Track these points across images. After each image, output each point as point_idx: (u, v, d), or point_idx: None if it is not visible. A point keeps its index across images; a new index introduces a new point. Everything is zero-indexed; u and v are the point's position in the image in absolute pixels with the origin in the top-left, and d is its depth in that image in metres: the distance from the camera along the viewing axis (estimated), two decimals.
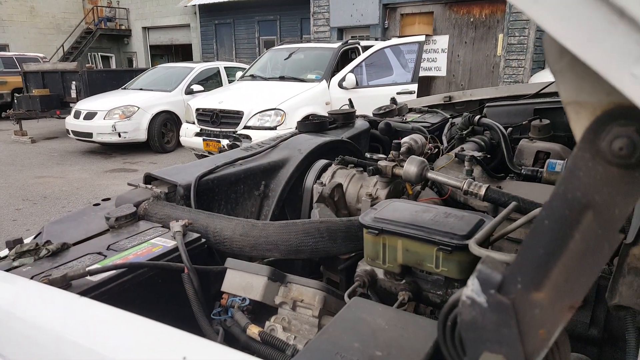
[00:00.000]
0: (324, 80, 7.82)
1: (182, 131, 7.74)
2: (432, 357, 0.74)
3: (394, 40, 9.04)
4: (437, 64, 12.09)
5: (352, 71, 7.91)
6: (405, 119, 2.82)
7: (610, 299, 0.60)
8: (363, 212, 1.62)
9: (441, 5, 11.54)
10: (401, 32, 12.12)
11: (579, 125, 0.35)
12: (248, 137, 6.84)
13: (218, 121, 7.20)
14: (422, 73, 10.16)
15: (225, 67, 10.51)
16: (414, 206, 1.19)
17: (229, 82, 9.97)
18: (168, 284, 1.27)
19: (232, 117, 7.14)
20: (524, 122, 2.37)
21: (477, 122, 2.29)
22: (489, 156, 1.96)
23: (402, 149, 1.79)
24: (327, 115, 2.52)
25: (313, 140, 2.09)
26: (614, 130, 0.33)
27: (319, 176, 1.80)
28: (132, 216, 1.48)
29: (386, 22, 12.22)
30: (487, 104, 2.67)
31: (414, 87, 8.56)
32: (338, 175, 1.78)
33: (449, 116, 2.84)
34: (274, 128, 6.94)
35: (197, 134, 7.35)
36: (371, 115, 2.82)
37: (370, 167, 1.62)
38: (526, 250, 0.41)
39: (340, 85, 7.79)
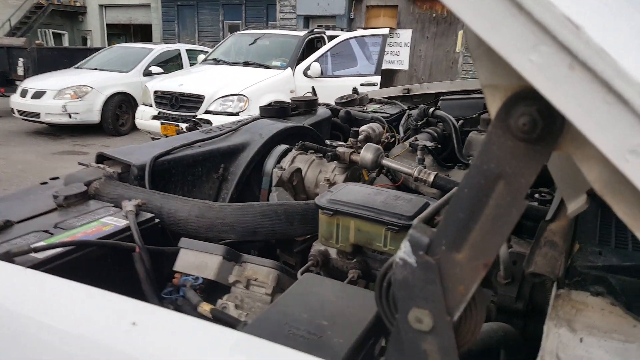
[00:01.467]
0: (289, 68, 7.80)
1: (138, 114, 7.53)
2: (373, 325, 0.80)
3: (359, 32, 9.12)
4: (399, 58, 12.27)
5: (317, 60, 7.93)
6: (366, 109, 2.89)
7: (527, 267, 0.67)
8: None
9: (405, 0, 11.71)
10: (366, 23, 12.22)
11: (493, 106, 0.40)
12: (209, 122, 6.74)
13: (177, 104, 7.05)
14: (385, 66, 10.29)
15: (187, 50, 10.27)
16: (367, 189, 1.25)
17: (191, 66, 9.76)
18: (118, 263, 1.27)
19: (192, 101, 7.01)
20: (474, 116, 2.48)
21: (432, 114, 2.38)
22: (439, 146, 2.05)
23: (360, 136, 1.85)
24: (289, 101, 2.54)
25: (274, 125, 2.12)
26: (519, 110, 0.38)
27: (278, 161, 1.83)
28: (82, 195, 1.46)
29: (352, 13, 12.28)
30: (442, 97, 2.77)
31: (377, 79, 8.67)
32: (298, 161, 1.81)
33: (406, 108, 2.92)
34: (237, 114, 6.87)
35: (155, 117, 7.18)
36: (333, 103, 2.87)
37: (329, 153, 1.67)
38: (449, 216, 0.46)
39: (305, 73, 7.79)
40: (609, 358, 0.51)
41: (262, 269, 1.21)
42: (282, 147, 1.88)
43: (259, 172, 1.95)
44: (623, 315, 0.54)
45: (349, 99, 2.89)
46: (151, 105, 7.28)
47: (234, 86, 7.08)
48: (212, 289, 1.24)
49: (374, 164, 1.61)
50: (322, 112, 2.57)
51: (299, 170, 1.72)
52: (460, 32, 11.34)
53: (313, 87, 3.07)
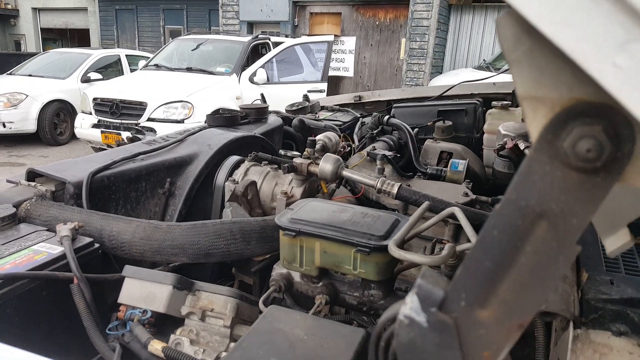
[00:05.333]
0: (235, 74, 7.59)
1: (77, 122, 7.04)
2: None
3: (304, 39, 9.06)
4: (345, 65, 12.34)
5: (263, 66, 7.77)
6: (318, 117, 2.79)
7: None
8: (278, 212, 1.54)
9: (349, 7, 11.78)
10: (311, 30, 12.19)
11: (535, 124, 0.31)
12: (152, 130, 6.43)
13: (118, 112, 6.66)
14: (331, 72, 10.29)
15: (127, 55, 9.77)
16: (331, 206, 1.14)
17: (131, 72, 9.29)
18: (55, 296, 1.09)
19: (134, 108, 6.64)
20: (428, 123, 2.45)
21: (386, 122, 2.32)
22: (398, 155, 1.99)
23: (316, 146, 1.75)
24: (238, 109, 2.40)
25: (224, 135, 1.97)
26: (577, 130, 0.29)
27: (230, 173, 1.68)
28: (11, 218, 1.25)
29: (296, 19, 12.20)
30: (394, 105, 2.73)
31: (324, 85, 8.65)
32: (251, 173, 1.68)
33: (359, 115, 2.86)
34: (181, 121, 6.59)
35: (95, 126, 6.74)
36: (284, 111, 2.75)
37: (286, 165, 1.55)
38: (471, 263, 0.36)
39: (251, 80, 7.62)
40: None
41: (218, 298, 1.07)
42: (233, 159, 1.73)
43: (208, 186, 1.79)
44: None
45: (300, 106, 2.79)
46: (91, 113, 6.84)
47: (178, 93, 6.79)
48: (163, 322, 1.09)
49: (334, 176, 1.50)
50: (273, 120, 2.45)
51: (253, 183, 1.58)
52: (403, 40, 11.56)
53: (262, 94, 2.93)
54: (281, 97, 7.73)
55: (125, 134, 6.53)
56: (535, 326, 0.76)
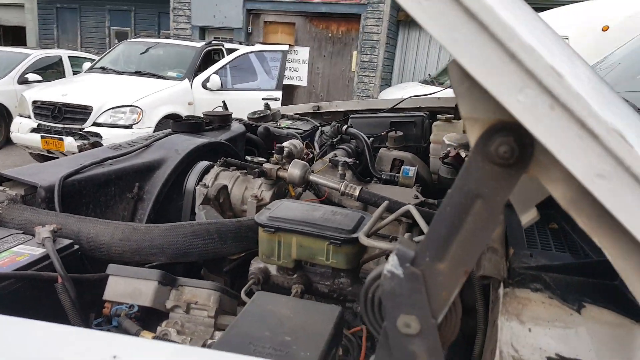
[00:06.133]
0: (187, 79, 7.60)
1: (13, 126, 6.76)
2: (333, 337, 0.84)
3: (259, 47, 9.19)
4: (298, 74, 12.57)
5: (217, 72, 7.82)
6: (279, 125, 2.94)
7: (477, 271, 0.77)
8: (249, 214, 1.67)
9: (302, 18, 12.04)
10: (264, 39, 12.34)
11: (473, 135, 0.47)
12: (98, 135, 6.31)
13: (61, 116, 6.47)
14: (285, 81, 10.48)
15: (69, 57, 9.48)
16: (304, 206, 1.29)
17: (74, 74, 9.03)
18: (38, 296, 1.16)
19: (78, 112, 6.47)
20: (382, 133, 2.67)
21: (345, 131, 2.51)
22: (357, 162, 2.17)
23: (283, 153, 1.90)
24: (202, 116, 2.50)
25: (191, 141, 2.07)
26: (498, 139, 0.46)
27: (201, 178, 1.80)
28: None
29: (250, 27, 12.31)
30: (351, 115, 2.93)
31: (279, 94, 8.80)
32: (221, 177, 1.79)
33: (318, 124, 3.03)
34: (129, 126, 6.51)
35: (34, 130, 6.51)
36: (245, 118, 2.87)
37: (256, 170, 1.68)
38: (432, 231, 0.52)
39: (204, 85, 7.64)
40: (554, 343, 0.61)
41: (201, 292, 1.19)
42: (203, 164, 1.84)
43: (176, 190, 1.89)
44: (560, 306, 0.65)
45: (262, 114, 2.92)
46: (29, 117, 6.60)
47: (126, 97, 6.69)
48: (148, 317, 1.19)
49: (302, 180, 1.65)
50: (236, 127, 2.57)
51: (225, 187, 1.70)
52: (355, 53, 11.92)
53: (224, 102, 3.04)
54: (235, 104, 7.82)
55: (68, 139, 6.37)
56: (475, 290, 0.95)
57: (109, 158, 1.77)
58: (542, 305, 0.64)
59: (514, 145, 0.45)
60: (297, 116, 3.20)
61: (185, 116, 2.45)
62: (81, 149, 2.10)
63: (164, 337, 1.12)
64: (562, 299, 0.65)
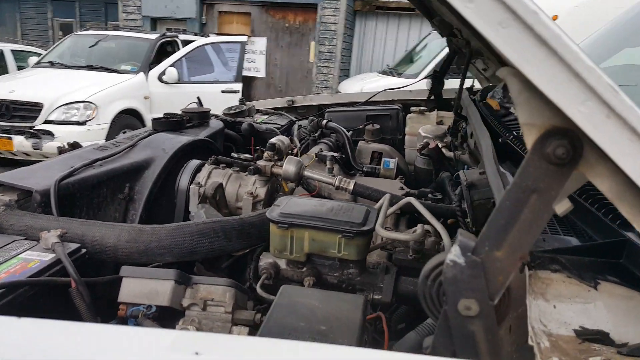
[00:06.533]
0: (142, 73, 7.40)
1: None
2: (363, 323, 0.91)
3: (217, 38, 9.06)
4: (256, 65, 12.46)
5: (173, 65, 7.66)
6: (256, 120, 2.96)
7: None
8: (245, 211, 1.71)
9: (258, 7, 11.94)
10: (219, 29, 12.14)
11: (529, 138, 0.55)
12: (49, 134, 6.07)
13: (9, 114, 6.16)
14: (242, 73, 10.40)
15: (12, 50, 8.98)
16: (311, 201, 1.35)
17: (19, 69, 8.58)
18: (52, 302, 1.16)
19: (28, 110, 6.19)
20: (360, 127, 2.75)
21: (325, 125, 2.57)
22: (344, 156, 2.25)
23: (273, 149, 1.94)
24: (181, 113, 2.49)
25: (176, 140, 2.07)
26: (555, 142, 0.54)
27: (193, 177, 1.81)
28: None
29: (204, 17, 12.08)
30: (327, 110, 2.99)
31: (238, 86, 8.72)
32: (214, 175, 1.82)
33: (294, 118, 3.08)
34: (84, 123, 6.31)
35: None
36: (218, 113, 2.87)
37: (251, 167, 1.72)
38: (492, 222, 0.60)
39: (160, 79, 7.47)
40: (577, 317, 0.70)
41: (217, 289, 1.22)
42: (194, 162, 1.86)
43: (165, 190, 1.90)
44: (578, 284, 0.75)
45: (238, 109, 2.94)
46: None
47: (79, 92, 6.46)
48: (163, 317, 1.21)
49: (297, 176, 1.71)
50: (215, 123, 2.57)
51: (221, 185, 1.73)
52: (312, 43, 11.96)
53: (199, 98, 3.02)
54: (193, 97, 7.69)
55: (17, 138, 6.08)
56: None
57: (99, 159, 1.75)
58: (563, 283, 0.73)
59: (568, 147, 0.53)
60: (272, 111, 3.22)
61: (165, 114, 2.43)
62: (61, 150, 2.05)
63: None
64: (579, 278, 0.75)
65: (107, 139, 6.39)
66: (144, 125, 7.15)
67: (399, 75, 10.12)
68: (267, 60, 12.37)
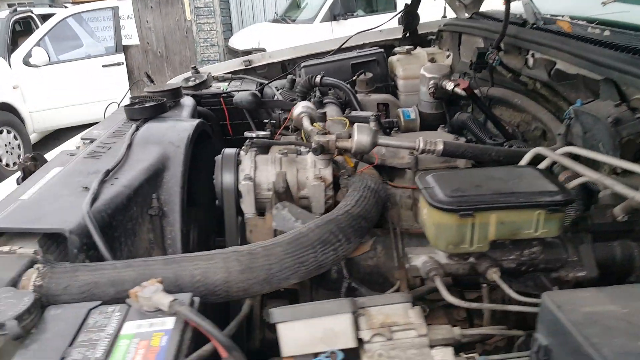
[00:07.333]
0: (1, 59, 6.19)
1: None
2: None
3: (83, 6, 7.87)
4: (126, 32, 11.13)
5: (38, 44, 6.52)
6: (220, 88, 2.56)
7: None
8: (315, 200, 1.42)
9: None
10: None
11: None
12: None
13: None
14: (112, 42, 9.28)
15: None
16: (464, 174, 1.11)
17: None
18: None
19: None
20: (354, 78, 2.49)
21: (320, 82, 2.27)
22: (379, 113, 1.99)
23: (307, 120, 1.63)
24: (147, 94, 2.02)
25: (179, 128, 1.66)
26: None
27: (237, 171, 1.45)
28: (35, 306, 0.85)
29: None
30: (303, 65, 2.66)
31: (120, 57, 7.83)
32: (261, 163, 1.48)
33: (263, 81, 2.72)
34: None
35: None
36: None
37: (315, 147, 1.41)
38: None
39: (26, 63, 6.33)
40: None
41: (395, 308, 0.97)
42: (230, 152, 1.49)
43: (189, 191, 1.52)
44: None
45: (199, 80, 2.50)
46: None
47: None
48: None
49: (372, 146, 1.44)
50: (188, 101, 2.15)
51: (284, 175, 1.41)
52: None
53: (147, 73, 2.51)
54: (74, 79, 6.66)
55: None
56: None
57: (110, 171, 1.32)
58: None
59: None
60: (230, 76, 2.82)
61: (132, 97, 1.94)
62: (24, 167, 1.54)
63: None
64: None
65: None
66: (22, 122, 6.06)
67: (294, 21, 9.78)
68: (138, 25, 11.16)
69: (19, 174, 1.59)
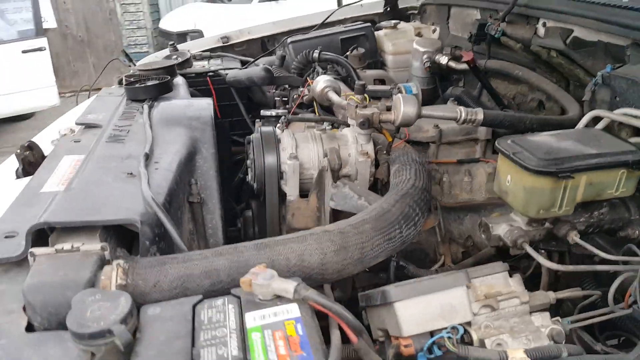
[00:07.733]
0: None
1: None
2: None
3: None
4: (42, 14, 10.35)
5: None
6: (206, 67, 2.43)
7: None
8: (362, 177, 1.39)
9: None
10: None
11: None
12: None
13: None
14: (27, 26, 8.53)
15: None
16: (540, 139, 1.12)
17: None
18: None
19: None
20: (347, 54, 2.44)
21: (319, 57, 2.21)
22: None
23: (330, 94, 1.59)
24: (140, 73, 1.87)
25: (196, 106, 1.55)
26: None
27: (278, 150, 1.38)
28: (131, 309, 0.75)
29: None
30: (289, 40, 2.57)
31: (43, 41, 7.25)
32: (301, 141, 1.41)
33: (247, 59, 2.61)
34: None
35: None
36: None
37: (362, 121, 1.37)
38: None
39: None
40: None
41: (496, 278, 0.96)
42: (268, 132, 1.41)
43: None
44: None
45: (182, 58, 2.35)
46: None
47: None
48: None
49: (417, 117, 1.42)
50: (181, 81, 2.02)
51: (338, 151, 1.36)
52: None
53: (124, 50, 2.32)
54: None
55: None
56: None
57: (148, 154, 1.21)
58: None
59: None
60: (208, 54, 2.67)
61: (126, 75, 1.77)
62: (23, 157, 1.38)
63: (498, 345, 0.90)
64: None
65: None
66: None
67: (230, 1, 9.47)
68: (54, 7, 10.33)
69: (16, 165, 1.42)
